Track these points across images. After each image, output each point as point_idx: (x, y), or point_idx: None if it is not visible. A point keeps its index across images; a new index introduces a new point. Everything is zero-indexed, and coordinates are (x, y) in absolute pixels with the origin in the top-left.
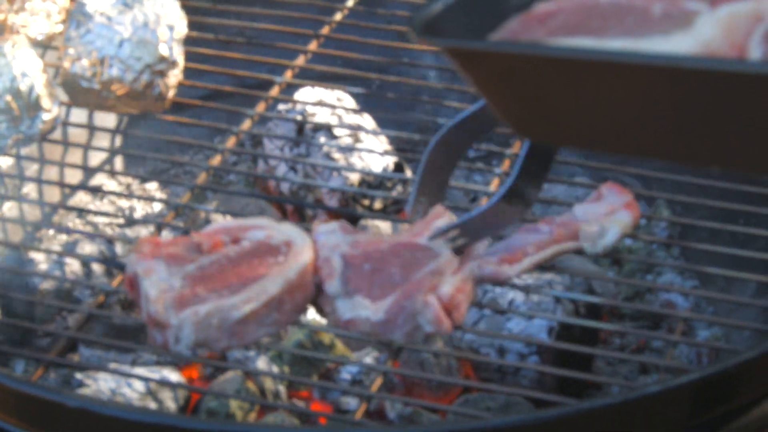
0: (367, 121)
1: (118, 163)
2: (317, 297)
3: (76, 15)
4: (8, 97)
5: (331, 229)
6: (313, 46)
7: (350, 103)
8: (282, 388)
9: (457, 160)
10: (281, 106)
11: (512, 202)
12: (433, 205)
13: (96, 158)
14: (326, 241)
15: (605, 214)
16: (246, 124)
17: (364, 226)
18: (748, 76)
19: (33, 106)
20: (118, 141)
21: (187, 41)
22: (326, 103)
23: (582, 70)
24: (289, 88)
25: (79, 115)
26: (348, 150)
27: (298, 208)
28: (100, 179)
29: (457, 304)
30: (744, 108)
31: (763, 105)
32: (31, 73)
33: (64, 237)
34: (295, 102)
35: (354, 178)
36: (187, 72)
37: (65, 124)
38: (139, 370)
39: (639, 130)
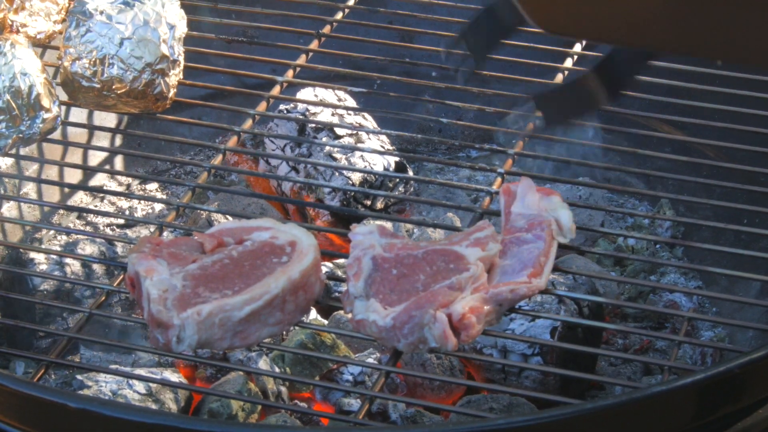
0: (368, 120)
1: (119, 163)
2: (326, 295)
3: (75, 14)
4: (8, 97)
5: (369, 230)
6: (314, 45)
7: (351, 102)
8: (284, 389)
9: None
10: (282, 106)
11: (599, 80)
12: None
13: (96, 158)
14: (362, 242)
15: (538, 202)
16: (247, 124)
17: None
18: None
19: (33, 106)
20: (119, 141)
21: (188, 40)
22: (327, 103)
23: None
24: (291, 88)
25: (79, 114)
26: (349, 150)
27: (299, 208)
28: (100, 179)
29: (467, 325)
30: None
31: None
32: (30, 72)
33: (64, 237)
34: (296, 102)
35: (355, 177)
36: (188, 71)
37: (65, 123)
38: (140, 371)
39: (649, 16)
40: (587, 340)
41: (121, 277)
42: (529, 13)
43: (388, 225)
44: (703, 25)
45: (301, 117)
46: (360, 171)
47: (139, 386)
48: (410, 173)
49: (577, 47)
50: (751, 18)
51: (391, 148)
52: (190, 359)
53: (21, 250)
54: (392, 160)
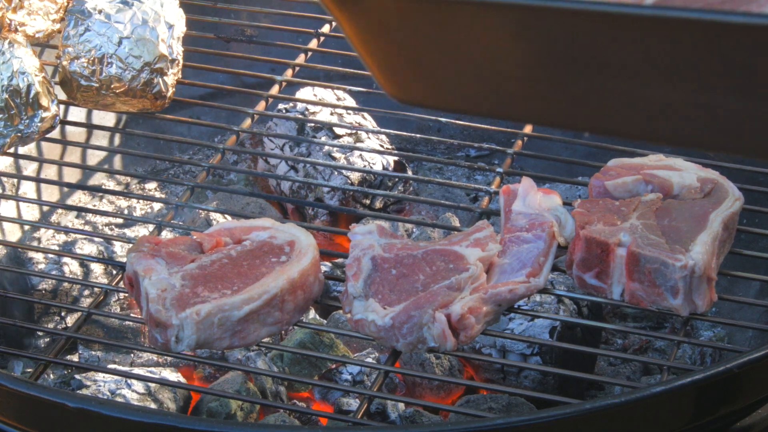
0: (367, 120)
1: (117, 162)
2: (324, 295)
3: (74, 13)
4: (6, 96)
5: (368, 230)
6: (313, 44)
7: (351, 101)
8: (283, 389)
9: None
10: (281, 105)
11: None
12: None
13: (95, 157)
14: (361, 242)
15: (540, 202)
16: (246, 123)
17: None
18: (635, 17)
19: (31, 105)
20: (117, 140)
21: (187, 40)
22: (327, 102)
23: (456, 13)
24: (290, 87)
25: (77, 113)
26: (348, 149)
27: (298, 208)
28: (98, 178)
29: (467, 325)
30: (625, 58)
31: (647, 54)
32: (29, 71)
33: (62, 237)
34: (295, 101)
35: (354, 177)
36: (187, 71)
37: (63, 122)
38: (139, 371)
39: (517, 88)
40: (586, 339)
41: (120, 276)
42: (386, 84)
43: (386, 225)
44: (570, 99)
45: (300, 116)
46: (359, 170)
47: (138, 386)
48: (409, 173)
49: None
50: (618, 91)
51: (390, 147)
52: (189, 359)
53: (19, 249)
54: (391, 160)
